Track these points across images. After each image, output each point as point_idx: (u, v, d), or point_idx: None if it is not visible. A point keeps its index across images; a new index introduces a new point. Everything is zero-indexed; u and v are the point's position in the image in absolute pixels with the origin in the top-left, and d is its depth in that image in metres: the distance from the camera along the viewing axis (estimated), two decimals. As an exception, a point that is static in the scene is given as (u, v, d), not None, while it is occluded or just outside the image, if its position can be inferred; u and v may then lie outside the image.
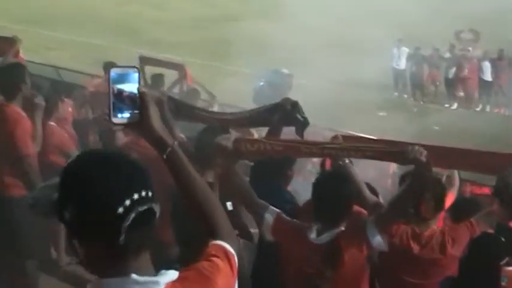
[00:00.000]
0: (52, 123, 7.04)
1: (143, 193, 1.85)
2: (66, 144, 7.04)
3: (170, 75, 12.01)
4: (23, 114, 5.76)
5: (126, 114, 2.09)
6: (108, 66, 12.05)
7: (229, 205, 4.80)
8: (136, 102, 2.08)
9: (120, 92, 2.08)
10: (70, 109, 8.76)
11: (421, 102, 21.95)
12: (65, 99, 8.39)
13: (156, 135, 2.11)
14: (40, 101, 6.03)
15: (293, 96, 5.42)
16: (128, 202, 1.81)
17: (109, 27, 24.08)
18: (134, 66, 2.12)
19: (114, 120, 2.09)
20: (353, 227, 4.01)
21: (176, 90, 11.79)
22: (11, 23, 23.61)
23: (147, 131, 2.10)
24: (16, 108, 5.74)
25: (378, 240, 3.95)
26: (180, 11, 26.87)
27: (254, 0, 24.47)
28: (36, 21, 24.25)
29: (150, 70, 11.71)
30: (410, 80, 22.56)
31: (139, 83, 2.10)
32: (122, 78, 2.09)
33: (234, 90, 16.17)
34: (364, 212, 4.24)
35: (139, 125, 2.09)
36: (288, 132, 4.98)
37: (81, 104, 9.89)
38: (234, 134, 4.86)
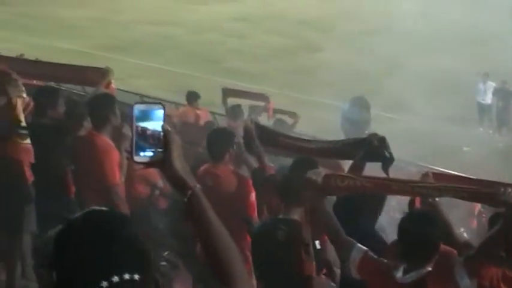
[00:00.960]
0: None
1: (126, 276, 1.67)
2: (151, 174, 7.04)
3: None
4: (112, 144, 5.82)
5: (149, 153, 2.01)
6: (191, 95, 12.15)
7: (317, 243, 4.69)
8: (160, 140, 2.00)
9: (144, 129, 2.01)
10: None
11: (507, 138, 21.35)
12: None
13: (177, 176, 2.01)
14: (127, 131, 6.07)
15: (376, 129, 5.31)
16: (105, 284, 1.65)
17: (191, 56, 24.40)
18: (159, 103, 2.06)
19: (136, 158, 2.02)
20: (441, 268, 3.86)
21: (263, 120, 11.76)
22: (98, 50, 24.28)
23: (169, 171, 2.01)
24: (105, 138, 5.81)
25: (466, 283, 3.79)
26: (261, 40, 27.04)
27: (336, 31, 24.37)
28: (122, 48, 24.80)
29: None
30: (496, 115, 22.04)
31: (164, 120, 2.03)
32: (146, 115, 2.02)
33: (314, 120, 16.05)
34: (453, 251, 4.07)
35: (161, 164, 2.01)
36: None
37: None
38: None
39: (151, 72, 22.61)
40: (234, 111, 11.16)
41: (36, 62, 9.57)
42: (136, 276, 1.68)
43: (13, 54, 12.96)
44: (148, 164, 2.05)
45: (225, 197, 5.38)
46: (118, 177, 5.70)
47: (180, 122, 10.94)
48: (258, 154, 5.37)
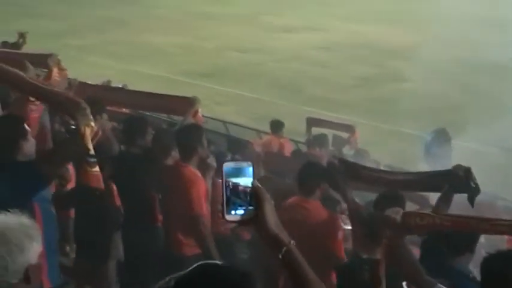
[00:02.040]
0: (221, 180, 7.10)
1: None
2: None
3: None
4: (199, 175, 5.87)
5: (240, 211, 2.01)
6: (275, 124, 12.20)
7: (404, 285, 4.60)
8: (251, 197, 2.01)
9: (235, 186, 2.02)
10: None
11: None
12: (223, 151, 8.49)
13: (271, 234, 2.00)
14: (212, 161, 6.14)
15: (461, 160, 5.19)
16: None
17: (275, 83, 24.50)
18: (249, 161, 2.07)
19: (228, 217, 2.02)
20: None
21: (345, 151, 11.71)
22: (184, 76, 24.72)
23: (262, 228, 2.00)
24: (192, 169, 5.88)
25: None
26: (345, 69, 26.94)
27: (422, 60, 24.04)
28: (208, 75, 25.15)
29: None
30: None
31: (253, 177, 2.04)
32: (236, 173, 2.03)
33: (399, 152, 15.84)
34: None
35: (254, 221, 2.00)
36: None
37: (254, 161, 9.98)
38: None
39: (235, 98, 22.80)
40: (318, 141, 11.15)
41: (125, 91, 9.80)
42: None
43: (102, 80, 13.40)
44: (241, 223, 2.05)
45: (313, 232, 5.34)
46: (204, 208, 5.74)
47: (263, 151, 10.99)
48: (343, 190, 5.32)
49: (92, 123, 4.32)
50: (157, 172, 6.17)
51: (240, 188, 2.03)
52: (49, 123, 6.17)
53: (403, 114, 19.83)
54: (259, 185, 2.03)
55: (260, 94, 22.97)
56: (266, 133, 13.29)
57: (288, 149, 11.63)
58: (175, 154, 6.17)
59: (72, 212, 6.36)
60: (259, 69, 26.72)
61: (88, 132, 4.25)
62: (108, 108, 6.98)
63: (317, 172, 5.77)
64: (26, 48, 10.83)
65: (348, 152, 11.75)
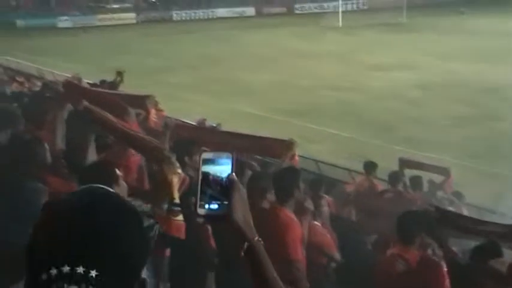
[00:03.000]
0: (317, 223, 7.10)
1: (80, 269, 1.48)
2: (328, 245, 7.03)
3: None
4: (295, 219, 5.86)
5: (214, 205, 1.89)
6: (369, 165, 12.10)
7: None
8: (226, 191, 1.89)
9: (211, 178, 1.90)
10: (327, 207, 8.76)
11: None
12: (324, 196, 8.45)
13: (235, 226, 1.90)
14: (309, 205, 6.14)
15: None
16: (53, 272, 1.49)
17: (368, 122, 24.34)
18: (229, 152, 1.95)
19: (200, 211, 1.88)
20: None
21: (440, 193, 11.51)
22: (277, 114, 24.89)
23: (228, 220, 1.90)
24: (288, 212, 5.86)
25: None
26: (440, 108, 26.50)
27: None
28: (300, 113, 25.23)
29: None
30: None
31: (232, 169, 1.92)
32: (215, 164, 1.92)
33: (494, 194, 15.40)
34: None
35: (225, 218, 1.89)
36: None
37: (343, 202, 9.92)
38: None
39: (328, 137, 22.74)
40: (413, 183, 11.00)
41: (221, 132, 9.93)
42: (93, 273, 1.49)
43: (197, 118, 13.67)
44: (212, 218, 1.95)
45: (416, 284, 5.24)
46: (300, 253, 5.70)
47: (355, 192, 10.93)
48: (439, 238, 5.23)
49: (179, 171, 4.38)
50: (253, 215, 6.21)
51: (216, 179, 1.91)
52: (145, 165, 6.32)
53: (500, 155, 19.36)
54: (235, 178, 1.93)
55: (353, 133, 22.85)
56: (358, 173, 13.20)
57: (380, 189, 11.50)
58: (270, 197, 6.21)
59: (168, 251, 6.47)
60: (353, 108, 26.62)
61: (175, 180, 4.31)
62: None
63: (418, 221, 5.61)
64: (123, 86, 11.17)
65: (442, 195, 11.53)
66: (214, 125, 12.78)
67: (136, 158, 5.86)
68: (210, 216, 1.92)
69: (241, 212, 1.92)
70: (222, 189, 1.91)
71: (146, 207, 4.32)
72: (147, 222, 1.70)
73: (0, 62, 24.40)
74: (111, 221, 1.56)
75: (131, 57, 36.63)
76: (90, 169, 4.53)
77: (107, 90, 8.39)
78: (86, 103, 5.18)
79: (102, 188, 1.67)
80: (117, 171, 4.37)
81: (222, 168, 1.93)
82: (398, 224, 5.61)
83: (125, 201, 1.69)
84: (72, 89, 6.21)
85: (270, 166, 8.23)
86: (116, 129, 4.80)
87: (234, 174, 1.92)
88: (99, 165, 4.66)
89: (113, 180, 4.27)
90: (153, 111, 6.55)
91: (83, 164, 5.04)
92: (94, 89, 7.51)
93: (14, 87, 13.36)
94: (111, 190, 1.69)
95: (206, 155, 1.94)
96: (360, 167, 12.67)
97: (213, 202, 1.90)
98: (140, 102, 6.63)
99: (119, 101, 6.45)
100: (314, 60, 37.39)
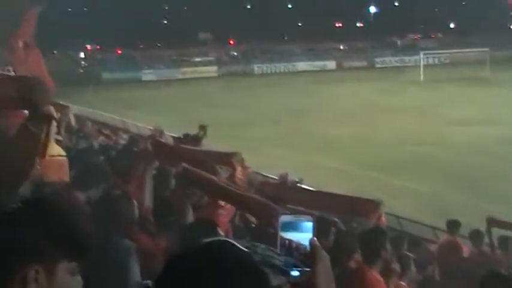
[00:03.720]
0: (403, 283, 6.95)
1: None
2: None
3: None
4: (381, 280, 5.77)
5: (295, 272, 1.78)
6: (452, 224, 11.75)
7: None
8: (308, 257, 1.78)
9: (291, 243, 1.80)
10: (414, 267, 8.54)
11: None
12: (411, 256, 8.28)
13: None
14: (396, 267, 6.03)
15: None
16: None
17: (452, 178, 23.85)
18: (308, 215, 1.85)
19: (279, 278, 1.77)
20: None
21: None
22: (358, 168, 24.76)
23: None
24: (375, 274, 5.77)
25: None
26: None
27: None
28: (381, 168, 24.99)
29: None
30: None
31: (313, 234, 1.82)
32: (294, 228, 1.82)
33: None
34: None
35: (306, 286, 1.77)
36: None
37: (428, 261, 9.71)
38: None
39: (410, 192, 22.40)
40: (502, 243, 10.65)
41: (306, 190, 9.89)
42: None
43: (279, 173, 13.66)
44: (293, 286, 1.82)
45: None
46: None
47: (439, 251, 10.69)
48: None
49: None
50: (338, 274, 6.13)
51: (296, 245, 1.83)
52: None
53: None
54: (318, 244, 1.83)
55: (436, 188, 22.44)
56: (442, 230, 12.88)
57: (465, 250, 11.15)
58: (357, 257, 6.12)
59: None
60: (435, 163, 26.17)
61: None
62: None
63: (501, 284, 5.47)
64: (205, 139, 11.27)
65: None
66: (296, 179, 12.74)
67: (224, 220, 5.87)
68: (291, 284, 1.83)
69: (325, 282, 1.83)
70: (303, 255, 1.84)
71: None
72: (276, 281, 1.64)
73: (87, 115, 25.17)
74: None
75: (213, 110, 37.23)
76: (192, 228, 4.56)
77: (194, 148, 8.48)
78: (184, 164, 5.26)
79: (233, 244, 1.72)
80: (219, 230, 4.39)
81: (303, 235, 1.86)
82: (481, 286, 5.46)
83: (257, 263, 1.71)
84: (161, 147, 6.30)
85: (353, 223, 8.13)
86: (218, 188, 4.83)
87: (315, 239, 1.85)
88: (201, 224, 4.67)
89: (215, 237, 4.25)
90: (239, 169, 6.55)
91: (176, 222, 5.11)
92: (182, 146, 7.61)
93: (101, 140, 13.71)
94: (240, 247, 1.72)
95: (285, 218, 1.88)
96: (443, 224, 12.36)
97: (294, 269, 1.82)
98: (227, 159, 6.65)
99: (206, 159, 6.50)
100: (395, 114, 37.14)
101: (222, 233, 4.40)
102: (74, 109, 16.64)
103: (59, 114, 2.84)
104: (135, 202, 5.26)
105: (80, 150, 8.66)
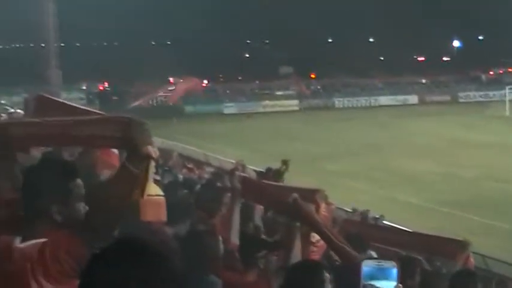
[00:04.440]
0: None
1: None
2: None
3: None
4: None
5: None
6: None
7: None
8: None
9: None
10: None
11: None
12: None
13: None
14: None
15: None
16: None
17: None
18: (392, 255, 1.81)
19: None
20: None
21: None
22: (440, 205, 24.26)
23: None
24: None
25: None
26: None
27: None
28: (465, 205, 24.43)
29: None
30: None
31: (397, 281, 1.79)
32: (377, 274, 1.80)
33: None
34: None
35: None
36: None
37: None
38: None
39: (494, 230, 21.83)
40: None
41: (390, 229, 9.79)
42: None
43: (360, 209, 13.53)
44: None
45: None
46: None
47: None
48: None
49: None
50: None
51: None
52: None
53: None
54: None
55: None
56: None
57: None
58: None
59: None
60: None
61: None
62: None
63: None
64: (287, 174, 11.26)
65: None
66: (377, 216, 12.60)
67: (316, 257, 5.85)
68: None
69: None
70: None
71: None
72: None
73: (169, 148, 25.58)
74: None
75: (293, 143, 37.30)
76: (297, 268, 4.51)
77: (279, 184, 8.49)
78: (295, 195, 5.30)
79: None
80: (325, 273, 4.31)
81: (387, 283, 1.83)
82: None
83: None
84: (249, 184, 6.33)
85: (436, 262, 7.97)
86: (321, 232, 4.83)
87: (400, 286, 1.83)
88: (306, 266, 4.58)
89: (320, 281, 4.21)
90: (323, 206, 6.53)
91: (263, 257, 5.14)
92: (268, 183, 7.62)
93: (184, 173, 13.87)
94: None
95: (368, 264, 1.86)
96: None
97: None
98: (310, 196, 6.64)
99: (287, 194, 6.51)
100: (479, 149, 36.30)
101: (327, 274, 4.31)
102: (158, 142, 16.96)
103: (158, 154, 2.90)
104: (220, 238, 5.31)
105: (166, 185, 8.78)
